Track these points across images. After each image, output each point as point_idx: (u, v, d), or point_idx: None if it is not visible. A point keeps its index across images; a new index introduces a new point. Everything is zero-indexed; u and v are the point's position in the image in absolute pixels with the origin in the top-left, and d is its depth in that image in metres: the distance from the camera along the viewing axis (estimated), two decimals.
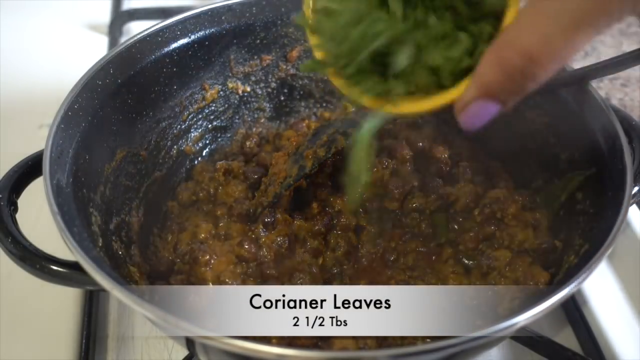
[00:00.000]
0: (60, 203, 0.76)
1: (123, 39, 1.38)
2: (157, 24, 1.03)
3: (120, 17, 1.58)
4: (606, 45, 1.56)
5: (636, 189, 0.82)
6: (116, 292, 0.68)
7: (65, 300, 1.00)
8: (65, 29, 1.62)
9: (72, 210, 0.78)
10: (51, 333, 0.98)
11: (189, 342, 0.78)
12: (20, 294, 0.96)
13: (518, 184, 1.04)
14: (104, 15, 1.62)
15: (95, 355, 0.97)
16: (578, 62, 1.48)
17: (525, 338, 0.93)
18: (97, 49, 0.94)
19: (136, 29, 1.02)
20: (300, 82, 1.19)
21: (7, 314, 1.00)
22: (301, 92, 1.20)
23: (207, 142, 1.15)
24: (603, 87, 1.44)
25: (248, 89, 1.16)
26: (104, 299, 1.04)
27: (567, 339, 0.99)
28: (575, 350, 0.91)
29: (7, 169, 0.84)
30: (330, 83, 1.05)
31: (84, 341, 0.96)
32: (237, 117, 1.17)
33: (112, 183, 0.95)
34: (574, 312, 1.01)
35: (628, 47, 1.55)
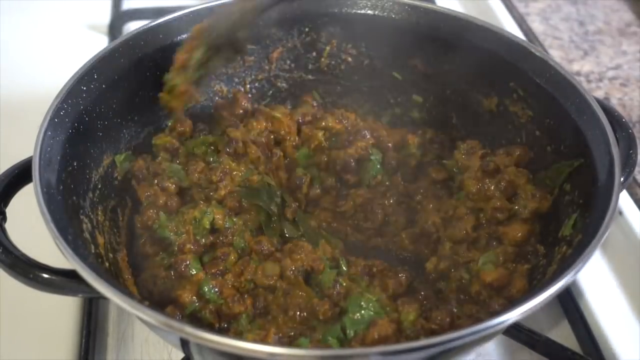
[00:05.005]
0: (53, 210, 0.75)
1: None
2: (139, 28, 1.03)
3: (120, 17, 1.59)
4: (606, 45, 1.58)
5: (622, 178, 0.84)
6: (115, 298, 0.68)
7: (65, 300, 0.99)
8: (65, 29, 1.61)
9: (64, 217, 0.77)
10: (51, 333, 0.97)
11: (184, 343, 0.78)
12: (20, 294, 0.95)
13: None
14: (104, 15, 1.62)
15: (95, 355, 0.97)
16: (577, 62, 1.50)
17: (525, 337, 0.94)
18: (97, 49, 0.94)
19: None
20: (283, 84, 1.19)
21: (7, 314, 0.99)
22: (283, 93, 1.20)
23: None
24: (602, 87, 1.44)
25: (232, 90, 1.16)
26: (103, 300, 1.03)
27: (565, 337, 1.01)
28: (573, 349, 0.93)
29: (6, 168, 0.84)
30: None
31: (84, 341, 0.96)
32: (221, 118, 1.16)
33: (99, 190, 0.94)
34: (572, 309, 1.03)
35: (628, 47, 1.57)
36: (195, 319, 0.87)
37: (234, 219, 0.98)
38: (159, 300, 0.90)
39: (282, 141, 1.12)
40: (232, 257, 0.94)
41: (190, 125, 1.09)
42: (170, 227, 0.97)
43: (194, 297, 0.89)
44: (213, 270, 0.92)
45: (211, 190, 1.01)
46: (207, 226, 0.97)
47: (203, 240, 0.96)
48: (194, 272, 0.91)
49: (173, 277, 0.92)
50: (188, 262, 0.92)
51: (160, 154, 1.05)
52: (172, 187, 1.01)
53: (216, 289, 0.90)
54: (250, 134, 1.08)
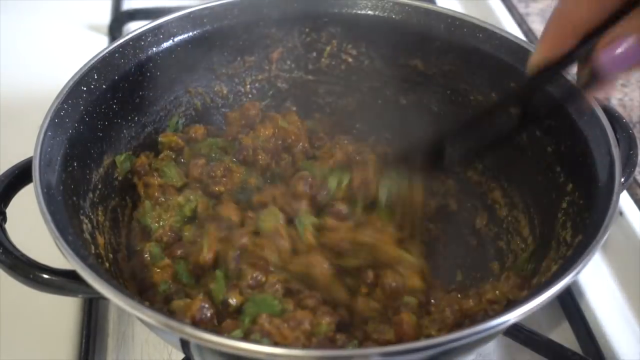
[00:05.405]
0: (53, 211, 0.75)
1: None
2: (139, 28, 1.02)
3: (120, 18, 1.58)
4: None
5: (622, 179, 0.84)
6: (115, 299, 0.67)
7: (65, 300, 0.99)
8: (65, 29, 1.61)
9: (64, 218, 0.77)
10: (51, 333, 0.97)
11: (184, 344, 0.78)
12: (20, 294, 0.95)
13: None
14: (104, 16, 1.62)
15: (95, 355, 0.97)
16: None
17: (525, 337, 0.94)
18: (97, 49, 0.95)
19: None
20: (283, 84, 1.19)
21: (7, 314, 0.99)
22: (284, 93, 1.20)
23: None
24: None
25: (232, 90, 1.16)
26: (103, 300, 1.03)
27: (565, 337, 1.00)
28: (573, 349, 0.93)
29: (7, 168, 0.84)
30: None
31: (84, 341, 0.96)
32: (222, 119, 1.16)
33: (100, 190, 0.94)
34: (572, 310, 1.02)
35: None
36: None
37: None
38: (140, 289, 0.91)
39: (290, 147, 1.12)
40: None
41: (202, 131, 1.09)
42: (152, 215, 0.98)
43: (167, 280, 0.90)
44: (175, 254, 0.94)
45: (210, 184, 1.01)
46: (189, 214, 0.98)
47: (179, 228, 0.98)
48: (156, 256, 0.93)
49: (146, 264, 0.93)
50: (148, 249, 0.93)
51: (165, 152, 1.06)
52: (161, 181, 1.02)
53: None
54: (258, 140, 1.08)
